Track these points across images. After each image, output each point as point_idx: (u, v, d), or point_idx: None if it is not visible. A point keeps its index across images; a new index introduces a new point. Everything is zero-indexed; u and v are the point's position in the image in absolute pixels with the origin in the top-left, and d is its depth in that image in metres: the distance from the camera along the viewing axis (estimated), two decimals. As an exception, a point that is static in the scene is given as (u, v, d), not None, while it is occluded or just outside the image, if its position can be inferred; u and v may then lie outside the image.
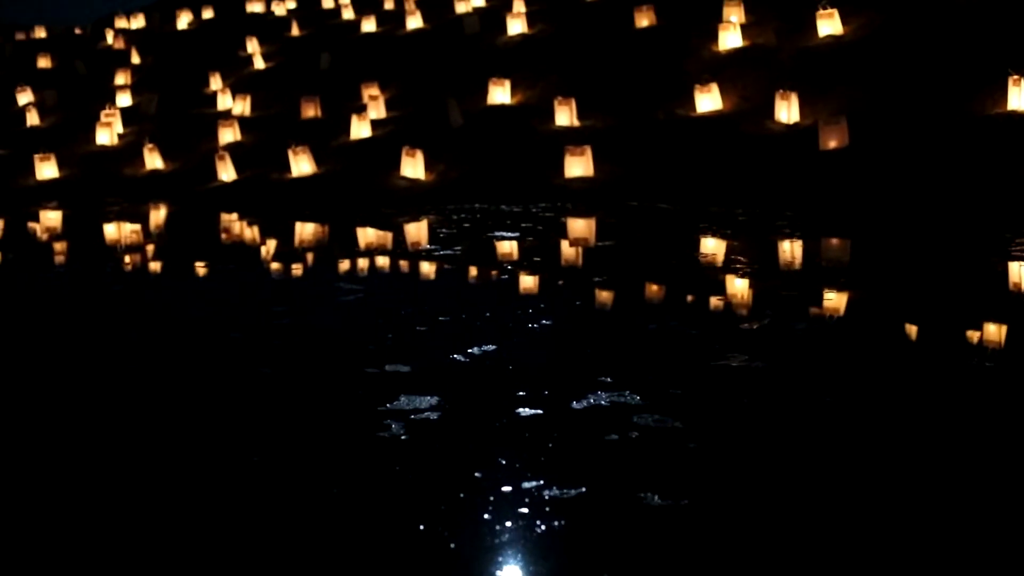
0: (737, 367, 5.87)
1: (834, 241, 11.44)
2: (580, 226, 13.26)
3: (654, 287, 8.97)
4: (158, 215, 16.87)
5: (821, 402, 5.26)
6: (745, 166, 15.20)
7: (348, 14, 27.30)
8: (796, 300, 7.96)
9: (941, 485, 4.15)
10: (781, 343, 6.54)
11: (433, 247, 11.46)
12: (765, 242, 11.10)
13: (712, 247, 10.92)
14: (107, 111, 22.79)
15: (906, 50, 16.63)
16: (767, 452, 4.58)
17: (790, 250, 10.59)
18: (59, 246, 14.12)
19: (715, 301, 8.04)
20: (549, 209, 14.57)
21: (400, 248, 11.84)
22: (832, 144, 14.84)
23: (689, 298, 8.36)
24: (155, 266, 11.77)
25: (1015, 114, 14.24)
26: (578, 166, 16.05)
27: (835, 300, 7.96)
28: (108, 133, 21.94)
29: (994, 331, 6.83)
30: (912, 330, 7.01)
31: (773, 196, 14.20)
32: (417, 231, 13.15)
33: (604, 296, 8.51)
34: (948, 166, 13.64)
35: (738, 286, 8.62)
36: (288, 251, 12.29)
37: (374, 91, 20.86)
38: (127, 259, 12.28)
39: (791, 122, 15.96)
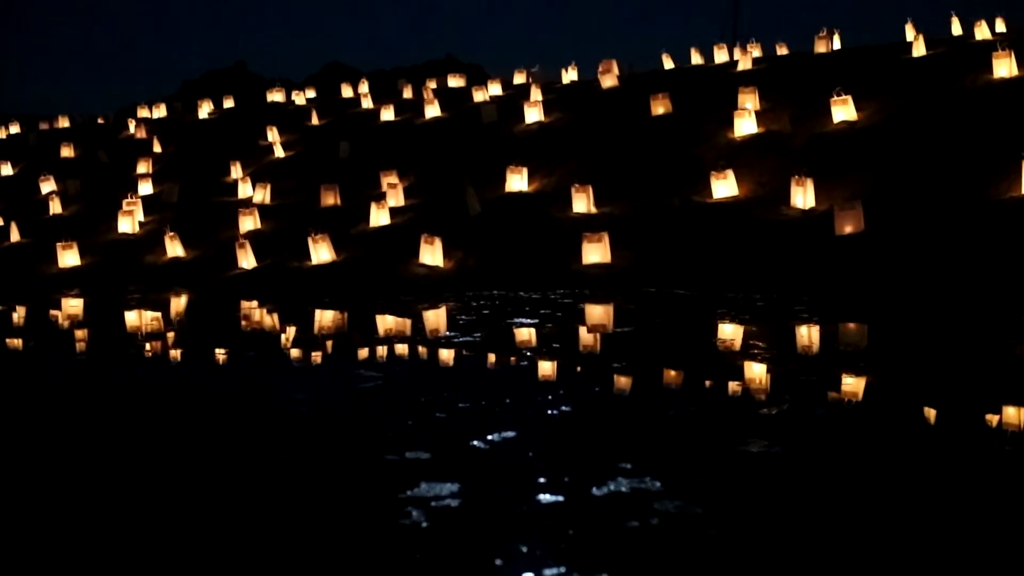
0: (757, 453, 5.92)
1: (852, 326, 11.51)
2: (598, 312, 13.38)
3: (673, 372, 9.05)
4: (179, 303, 17.09)
5: (842, 488, 5.30)
6: (762, 251, 15.36)
7: (367, 103, 27.93)
8: (815, 385, 8.02)
9: (964, 572, 4.18)
10: (801, 428, 6.58)
11: (452, 334, 11.58)
12: (783, 327, 11.18)
13: (730, 332, 11.00)
14: (129, 200, 23.25)
15: (920, 135, 16.90)
16: (788, 539, 4.62)
17: (808, 335, 10.66)
18: (80, 333, 14.31)
19: (734, 386, 8.10)
20: (567, 295, 14.72)
21: (419, 335, 11.96)
22: (848, 229, 15.00)
23: (708, 383, 8.42)
24: (175, 353, 11.91)
25: (1031, 198, 14.40)
26: (596, 252, 16.25)
27: (854, 385, 8.01)
28: (130, 221, 22.35)
29: (1014, 415, 6.86)
30: (932, 415, 7.05)
31: (790, 281, 14.32)
32: (436, 318, 13.29)
33: (623, 382, 8.59)
34: (964, 250, 13.75)
35: (756, 371, 8.68)
36: (307, 338, 12.43)
37: (393, 179, 21.25)
38: (148, 346, 12.44)
39: (807, 207, 16.16)
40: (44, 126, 33.44)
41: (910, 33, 22.54)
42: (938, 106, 17.67)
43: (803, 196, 16.23)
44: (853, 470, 5.61)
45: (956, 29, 22.99)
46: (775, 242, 15.48)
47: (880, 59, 20.95)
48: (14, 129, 33.37)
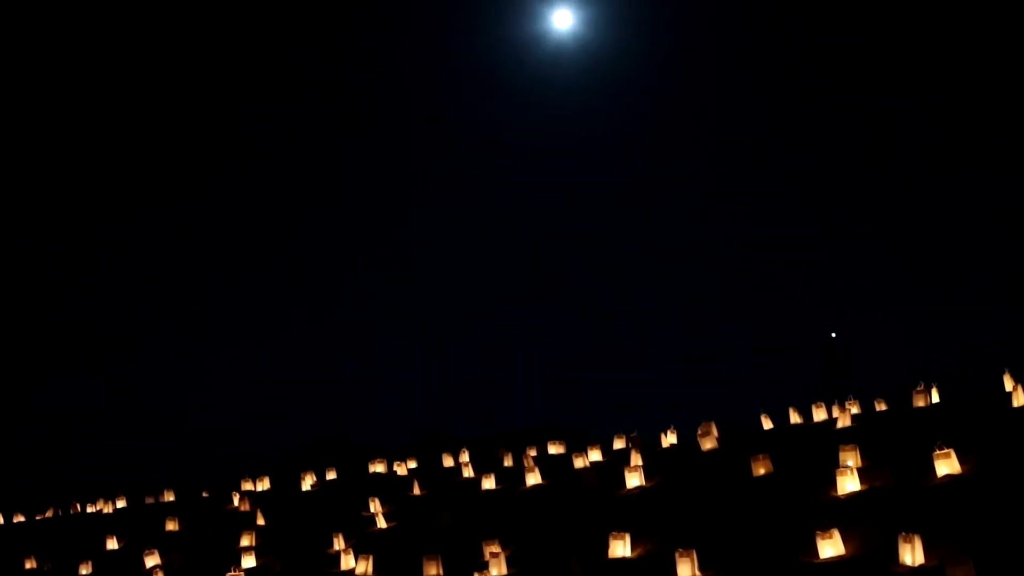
0: None
1: None
2: None
3: None
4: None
5: None
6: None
7: (468, 472, 29.25)
8: None
9: None
10: None
11: None
12: None
13: None
14: (232, 573, 24.33)
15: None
16: None
17: None
18: None
19: None
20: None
21: None
22: (960, 587, 15.31)
23: None
24: None
25: None
26: (703, 618, 16.62)
27: None
28: (233, 595, 23.33)
29: None
30: None
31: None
32: None
33: None
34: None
35: None
36: None
37: (495, 548, 22.03)
38: None
39: (916, 564, 16.52)
40: (150, 500, 35.30)
41: (1008, 383, 23.41)
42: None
43: (911, 553, 16.59)
44: None
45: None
46: (887, 603, 15.78)
47: (980, 411, 21.79)
48: (120, 504, 35.36)
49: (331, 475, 33.03)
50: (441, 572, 21.98)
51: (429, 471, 31.23)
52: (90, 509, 35.69)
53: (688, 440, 26.87)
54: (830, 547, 17.83)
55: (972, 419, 21.35)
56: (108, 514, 34.48)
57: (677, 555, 18.94)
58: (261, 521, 29.28)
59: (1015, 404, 21.75)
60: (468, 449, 32.72)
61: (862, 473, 20.26)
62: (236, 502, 31.90)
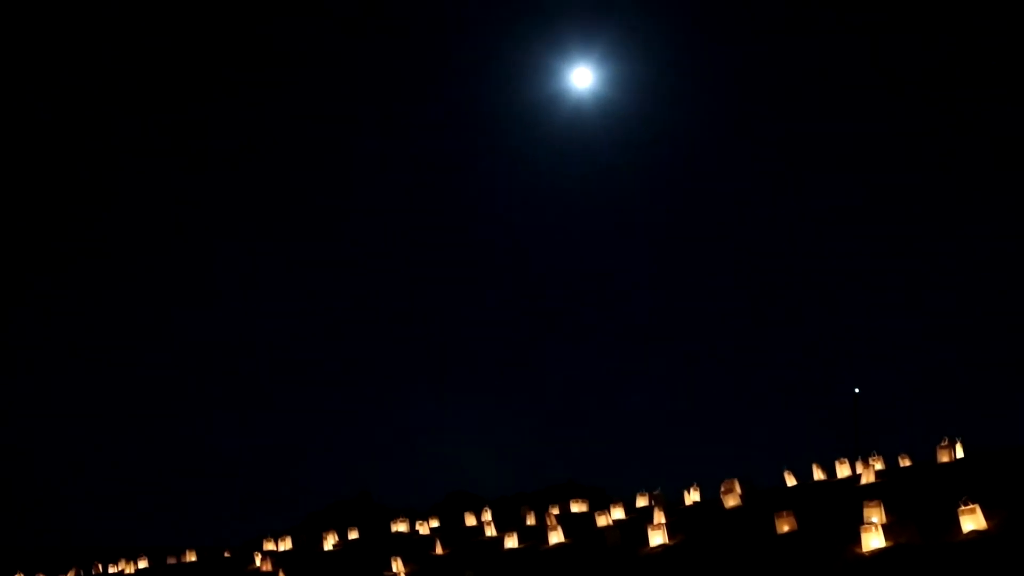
0: None
1: None
2: None
3: None
4: None
5: None
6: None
7: (490, 531, 29.27)
8: None
9: None
10: None
11: None
12: None
13: None
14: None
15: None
16: None
17: None
18: None
19: None
20: None
21: None
22: (987, 643, 15.25)
23: None
24: None
25: None
26: (727, 675, 16.59)
27: None
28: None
29: None
30: None
31: None
32: None
33: None
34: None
35: None
36: None
37: (519, 606, 22.09)
38: None
39: (942, 622, 16.49)
40: (171, 560, 35.44)
41: (1033, 441, 23.52)
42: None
43: (938, 611, 16.62)
44: None
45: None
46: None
47: (1005, 465, 21.78)
48: (142, 564, 35.48)
49: (353, 534, 33.06)
50: (464, 631, 21.98)
51: (451, 530, 31.25)
52: (112, 570, 35.83)
53: (711, 497, 26.90)
54: (856, 604, 17.81)
55: (997, 474, 21.32)
56: (130, 575, 34.62)
57: (701, 613, 18.94)
58: (283, 581, 29.37)
59: (1041, 459, 21.76)
60: (490, 507, 32.75)
61: (887, 529, 20.23)
62: (258, 562, 31.98)
